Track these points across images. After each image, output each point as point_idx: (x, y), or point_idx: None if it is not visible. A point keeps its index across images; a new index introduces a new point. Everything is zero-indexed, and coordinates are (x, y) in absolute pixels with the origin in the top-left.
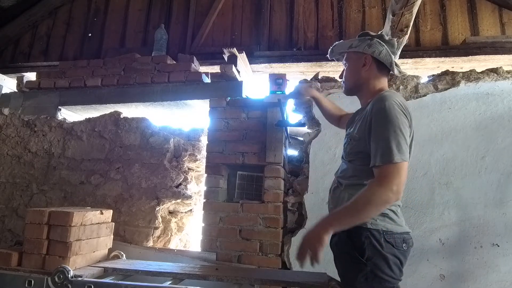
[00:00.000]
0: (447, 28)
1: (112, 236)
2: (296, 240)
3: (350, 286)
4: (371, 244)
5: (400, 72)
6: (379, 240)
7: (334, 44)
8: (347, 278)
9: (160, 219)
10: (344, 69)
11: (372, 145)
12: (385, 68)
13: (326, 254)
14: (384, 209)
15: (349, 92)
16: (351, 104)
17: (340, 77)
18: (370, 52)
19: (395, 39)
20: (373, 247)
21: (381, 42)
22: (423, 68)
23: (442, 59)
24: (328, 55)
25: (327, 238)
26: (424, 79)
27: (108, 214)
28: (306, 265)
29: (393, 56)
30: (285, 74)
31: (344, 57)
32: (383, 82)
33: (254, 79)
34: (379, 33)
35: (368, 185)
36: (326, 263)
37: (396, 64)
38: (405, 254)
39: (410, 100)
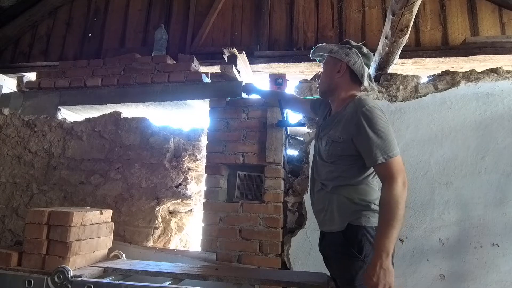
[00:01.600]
0: (447, 28)
1: (112, 236)
2: (296, 240)
3: (349, 285)
4: (368, 241)
5: (370, 85)
6: (374, 236)
7: (317, 45)
8: (346, 277)
9: (160, 219)
10: (321, 71)
11: (364, 145)
12: (358, 78)
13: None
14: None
15: (322, 94)
16: None
17: (317, 78)
18: (346, 60)
19: (372, 53)
20: (370, 243)
21: (358, 53)
22: (423, 68)
23: (442, 59)
24: (310, 55)
25: (391, 266)
26: (424, 79)
27: (108, 214)
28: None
29: (366, 69)
30: (285, 74)
31: (324, 60)
32: (355, 91)
33: (254, 79)
34: (359, 44)
35: (384, 191)
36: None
37: (369, 78)
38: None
39: (410, 100)
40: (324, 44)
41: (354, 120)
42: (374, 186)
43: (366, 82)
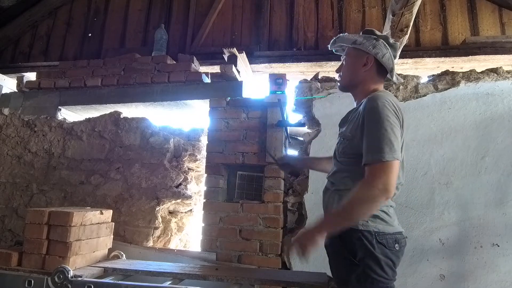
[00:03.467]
0: (447, 28)
1: (112, 236)
2: None
3: (343, 286)
4: (363, 245)
5: (398, 79)
6: (371, 241)
7: (338, 35)
8: (340, 279)
9: (160, 219)
10: (342, 63)
11: (363, 143)
12: (384, 71)
13: (325, 255)
14: (376, 207)
15: (344, 88)
16: (351, 105)
17: (337, 71)
18: (374, 53)
19: (398, 43)
20: (365, 248)
21: (386, 45)
22: (423, 68)
23: (442, 59)
24: (329, 45)
25: (319, 239)
26: (424, 79)
27: (108, 214)
28: (295, 260)
29: (394, 61)
30: (285, 74)
31: (345, 52)
32: (379, 85)
33: (254, 79)
34: (384, 34)
35: (357, 185)
36: (326, 264)
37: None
38: (397, 255)
39: (410, 100)
40: (346, 34)
41: (361, 116)
42: None
43: (394, 77)
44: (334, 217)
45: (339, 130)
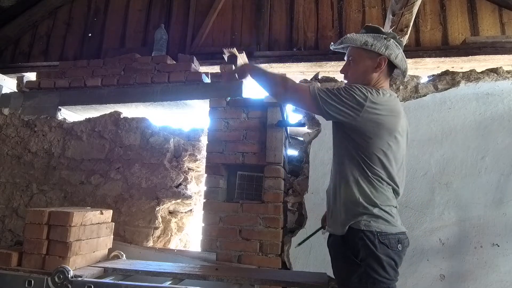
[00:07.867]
0: (447, 28)
1: (112, 236)
2: (296, 240)
3: (345, 286)
4: (365, 245)
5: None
6: (373, 241)
7: (345, 36)
8: (342, 279)
9: (160, 219)
10: (348, 63)
11: None
12: (392, 71)
13: (325, 255)
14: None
15: None
16: None
17: (342, 71)
18: (387, 54)
19: (403, 40)
20: (367, 248)
21: (397, 45)
22: (423, 68)
23: (442, 59)
24: (332, 46)
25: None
26: (424, 79)
27: (108, 214)
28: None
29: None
30: (285, 74)
31: (350, 51)
32: (386, 85)
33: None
34: (389, 31)
35: (292, 83)
36: (326, 264)
37: None
38: (400, 255)
39: (410, 100)
40: (354, 34)
41: None
42: (382, 189)
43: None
44: (259, 70)
45: None
